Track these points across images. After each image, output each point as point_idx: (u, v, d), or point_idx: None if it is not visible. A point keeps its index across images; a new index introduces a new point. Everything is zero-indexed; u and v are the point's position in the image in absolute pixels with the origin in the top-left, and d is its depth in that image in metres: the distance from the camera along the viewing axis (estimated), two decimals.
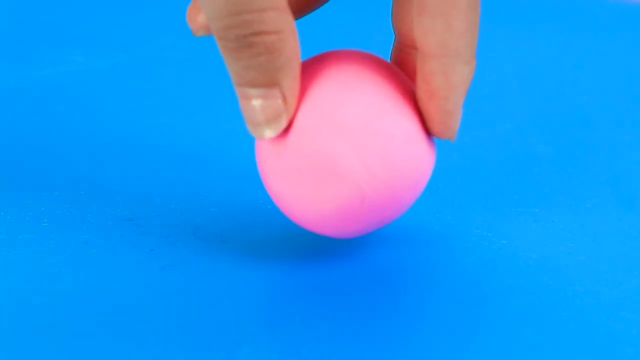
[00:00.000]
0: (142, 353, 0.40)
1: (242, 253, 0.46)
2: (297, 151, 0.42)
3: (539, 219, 0.50)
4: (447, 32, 0.34)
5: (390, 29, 0.43)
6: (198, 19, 0.34)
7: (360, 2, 0.78)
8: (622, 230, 0.49)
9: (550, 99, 0.64)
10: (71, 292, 0.44)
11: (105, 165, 0.54)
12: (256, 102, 0.34)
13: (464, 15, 0.34)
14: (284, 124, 0.36)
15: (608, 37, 0.75)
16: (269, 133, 0.36)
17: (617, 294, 0.44)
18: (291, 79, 0.35)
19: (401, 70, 0.43)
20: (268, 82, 0.34)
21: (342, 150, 0.42)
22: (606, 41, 0.74)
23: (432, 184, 0.47)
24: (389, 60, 0.44)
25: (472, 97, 0.63)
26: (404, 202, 0.44)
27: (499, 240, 0.48)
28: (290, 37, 0.33)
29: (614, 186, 0.53)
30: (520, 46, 0.73)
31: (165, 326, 0.41)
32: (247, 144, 0.47)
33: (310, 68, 0.43)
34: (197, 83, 0.66)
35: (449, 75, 0.36)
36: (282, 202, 0.44)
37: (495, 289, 0.44)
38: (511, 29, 0.76)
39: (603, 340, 0.41)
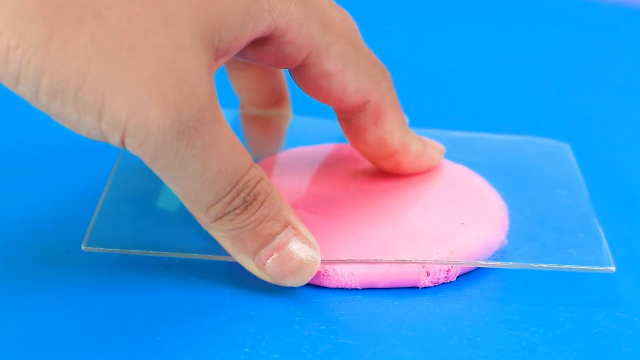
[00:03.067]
0: (143, 352, 0.40)
1: None
2: None
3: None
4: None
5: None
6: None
7: None
8: (618, 231, 0.49)
9: (550, 99, 0.64)
10: (76, 292, 0.44)
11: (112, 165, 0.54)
12: (290, 246, 0.35)
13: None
14: (318, 257, 0.36)
15: (608, 37, 0.75)
16: (313, 270, 0.36)
17: (613, 295, 0.45)
18: (291, 212, 0.35)
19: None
20: (282, 224, 0.34)
21: None
22: (606, 42, 0.74)
23: None
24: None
25: (473, 98, 0.63)
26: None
27: None
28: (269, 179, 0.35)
29: (611, 187, 0.53)
30: (519, 47, 0.73)
31: (167, 325, 0.42)
32: None
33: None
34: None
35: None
36: None
37: (492, 288, 0.45)
38: (510, 30, 0.76)
39: (599, 340, 0.42)
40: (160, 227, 0.44)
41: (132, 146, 0.30)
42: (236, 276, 0.44)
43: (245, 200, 0.32)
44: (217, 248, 0.41)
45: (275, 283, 0.36)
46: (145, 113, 0.29)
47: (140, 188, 0.48)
